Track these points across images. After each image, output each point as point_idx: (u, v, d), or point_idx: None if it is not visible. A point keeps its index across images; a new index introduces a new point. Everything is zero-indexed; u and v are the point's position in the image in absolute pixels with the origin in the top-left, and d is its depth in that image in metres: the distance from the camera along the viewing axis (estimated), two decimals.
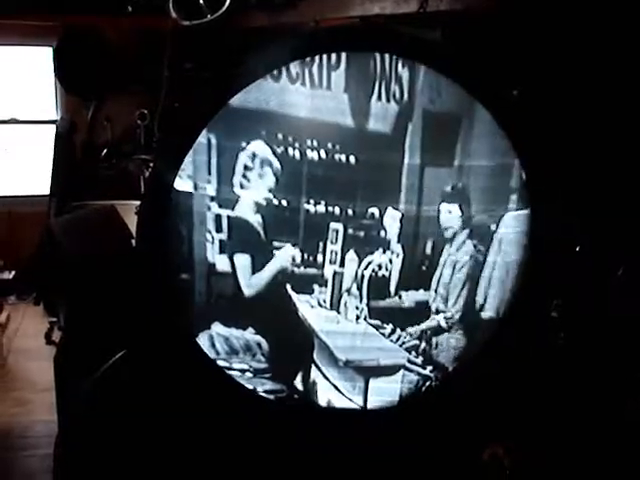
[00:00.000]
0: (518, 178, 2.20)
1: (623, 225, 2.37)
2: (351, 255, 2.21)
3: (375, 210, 2.18)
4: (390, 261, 2.22)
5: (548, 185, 2.21)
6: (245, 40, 4.63)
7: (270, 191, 2.14)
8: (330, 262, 2.20)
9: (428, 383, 2.34)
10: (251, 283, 2.19)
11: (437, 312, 2.29)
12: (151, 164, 4.42)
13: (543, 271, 2.27)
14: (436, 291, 2.27)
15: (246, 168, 2.12)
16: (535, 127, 2.21)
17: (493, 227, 2.24)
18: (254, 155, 2.11)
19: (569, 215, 2.34)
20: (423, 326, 2.29)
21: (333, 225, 2.17)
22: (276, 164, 2.12)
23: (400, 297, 2.26)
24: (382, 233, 2.20)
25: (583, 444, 2.29)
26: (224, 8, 4.14)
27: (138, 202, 2.77)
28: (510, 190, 2.22)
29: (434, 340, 2.31)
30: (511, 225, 2.24)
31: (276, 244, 2.18)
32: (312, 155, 2.11)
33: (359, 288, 2.24)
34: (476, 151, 2.18)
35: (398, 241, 2.21)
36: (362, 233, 2.19)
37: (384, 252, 2.21)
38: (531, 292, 2.29)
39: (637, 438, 2.21)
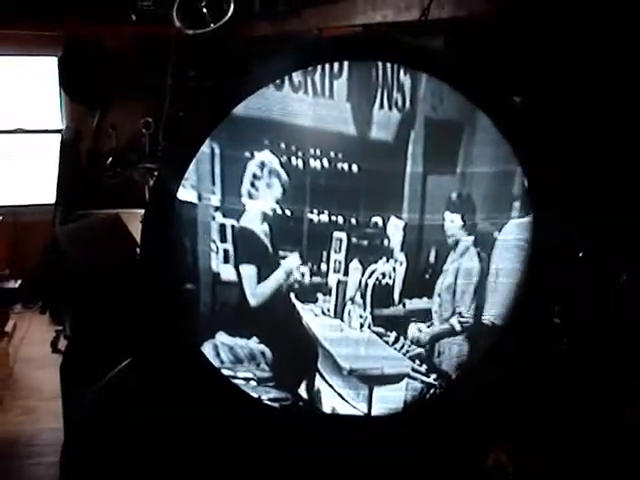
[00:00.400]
0: (520, 185, 2.20)
1: (626, 231, 2.37)
2: (355, 264, 2.21)
3: (378, 219, 2.18)
4: (394, 269, 2.23)
5: (550, 192, 2.21)
6: (248, 49, 4.66)
7: (277, 202, 2.14)
8: (334, 271, 2.21)
9: (432, 390, 2.34)
10: (256, 293, 2.19)
11: (442, 319, 2.29)
12: (156, 172, 4.44)
13: (545, 277, 2.27)
14: (440, 297, 2.27)
15: (255, 177, 2.12)
16: (537, 134, 2.21)
17: (496, 234, 2.24)
18: (263, 164, 2.11)
19: (571, 221, 2.34)
20: (435, 330, 2.29)
21: (337, 234, 2.17)
22: (283, 174, 2.12)
23: (404, 305, 2.26)
24: (385, 242, 2.20)
25: (586, 450, 2.29)
26: (227, 17, 4.17)
27: (143, 210, 2.78)
28: (512, 197, 2.22)
29: (438, 348, 2.31)
30: (513, 232, 2.24)
31: (282, 254, 2.18)
32: (315, 164, 2.12)
33: (363, 296, 2.24)
34: (479, 158, 2.18)
35: (401, 250, 2.21)
36: (365, 242, 2.19)
37: (387, 261, 2.22)
38: (533, 298, 2.29)
39: (637, 444, 2.21)
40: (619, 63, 2.33)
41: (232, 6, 4.15)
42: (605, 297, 2.40)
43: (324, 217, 2.15)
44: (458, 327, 2.29)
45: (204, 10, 4.26)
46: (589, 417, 2.33)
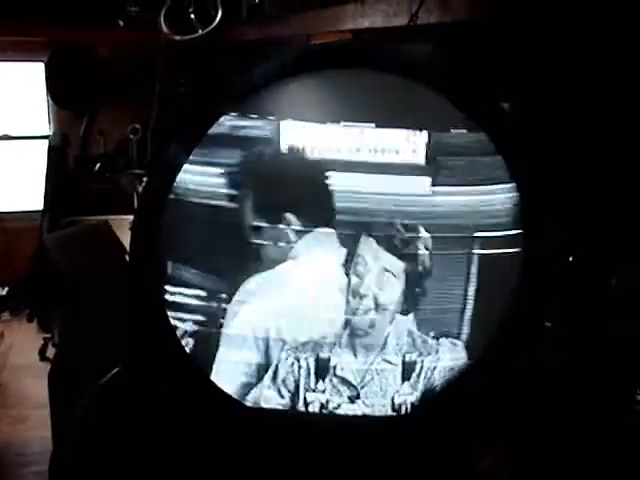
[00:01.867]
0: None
1: (616, 235, 2.38)
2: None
3: None
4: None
5: (541, 196, 2.21)
6: (237, 54, 4.66)
7: None
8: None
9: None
10: None
11: None
12: (144, 178, 4.43)
13: (537, 282, 2.27)
14: None
15: None
16: (526, 139, 2.21)
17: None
18: None
19: (562, 225, 2.34)
20: None
21: None
22: None
23: None
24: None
25: (580, 454, 2.29)
26: (215, 23, 4.17)
27: (132, 217, 2.77)
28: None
29: None
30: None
31: None
32: None
33: None
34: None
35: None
36: None
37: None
38: (526, 302, 2.29)
39: (634, 449, 2.21)
40: (607, 71, 2.34)
41: (220, 12, 4.15)
42: (595, 300, 2.41)
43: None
44: None
45: (192, 16, 4.25)
46: (583, 421, 2.34)
